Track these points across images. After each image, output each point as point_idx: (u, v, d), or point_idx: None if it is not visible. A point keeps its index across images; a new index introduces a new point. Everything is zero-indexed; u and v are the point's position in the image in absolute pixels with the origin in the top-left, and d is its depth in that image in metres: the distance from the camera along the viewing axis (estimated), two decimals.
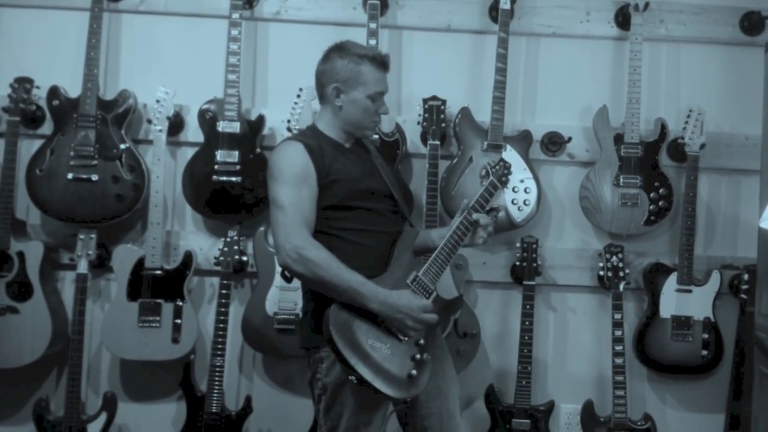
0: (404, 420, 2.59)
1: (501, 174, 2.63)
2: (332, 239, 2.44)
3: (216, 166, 3.19)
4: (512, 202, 3.23)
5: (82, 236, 3.19)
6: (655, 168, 3.30)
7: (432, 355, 2.44)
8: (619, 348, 3.20)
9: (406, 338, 2.38)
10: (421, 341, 2.41)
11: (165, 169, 3.22)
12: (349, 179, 2.49)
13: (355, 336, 2.32)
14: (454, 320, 3.16)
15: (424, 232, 2.70)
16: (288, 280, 3.13)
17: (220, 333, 3.16)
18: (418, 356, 2.38)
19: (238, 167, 3.19)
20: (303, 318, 2.59)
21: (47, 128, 3.28)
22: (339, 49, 2.55)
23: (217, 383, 3.16)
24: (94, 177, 3.17)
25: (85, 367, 3.30)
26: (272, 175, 2.46)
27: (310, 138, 2.52)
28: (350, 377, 2.31)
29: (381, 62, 2.55)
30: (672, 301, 3.28)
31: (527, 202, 3.25)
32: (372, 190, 2.54)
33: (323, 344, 2.36)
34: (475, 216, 2.51)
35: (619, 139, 3.29)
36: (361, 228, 2.48)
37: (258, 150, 3.24)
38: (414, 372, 2.37)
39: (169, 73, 3.38)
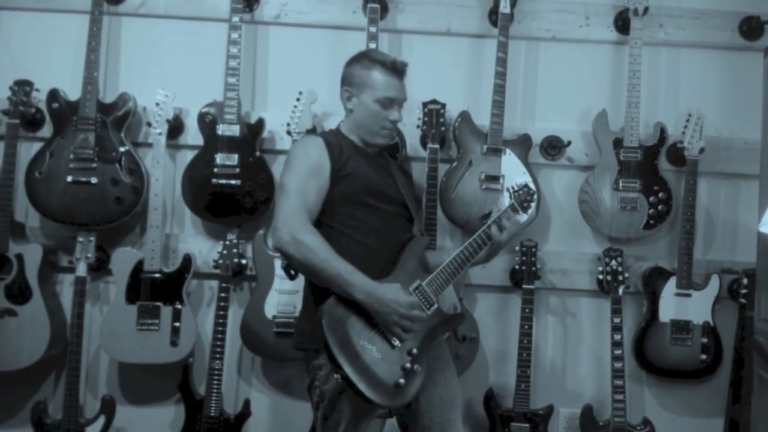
0: (405, 429, 2.58)
1: (523, 199, 2.60)
2: (342, 237, 2.44)
3: (215, 169, 3.19)
4: None
5: (81, 239, 3.19)
6: (654, 172, 3.30)
7: (424, 368, 2.40)
8: (618, 352, 3.19)
9: (399, 344, 2.36)
10: (414, 351, 2.37)
11: (164, 172, 3.22)
12: (363, 175, 2.51)
13: (347, 334, 2.31)
14: None
15: (443, 252, 2.68)
16: (291, 276, 3.11)
17: (219, 336, 3.16)
18: (408, 366, 2.35)
19: (237, 170, 3.19)
20: (300, 317, 2.59)
21: (47, 131, 3.28)
22: (358, 55, 2.62)
23: (215, 386, 3.16)
24: (94, 180, 3.17)
25: (84, 370, 3.29)
26: (287, 163, 2.51)
27: (331, 136, 2.58)
28: (335, 375, 2.30)
29: (392, 68, 2.55)
30: (671, 306, 3.28)
31: None
32: (385, 191, 2.55)
33: (316, 343, 2.35)
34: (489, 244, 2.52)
35: (618, 143, 3.29)
36: (371, 228, 2.48)
37: (257, 153, 3.23)
38: (402, 381, 2.33)
39: (169, 76, 3.38)
